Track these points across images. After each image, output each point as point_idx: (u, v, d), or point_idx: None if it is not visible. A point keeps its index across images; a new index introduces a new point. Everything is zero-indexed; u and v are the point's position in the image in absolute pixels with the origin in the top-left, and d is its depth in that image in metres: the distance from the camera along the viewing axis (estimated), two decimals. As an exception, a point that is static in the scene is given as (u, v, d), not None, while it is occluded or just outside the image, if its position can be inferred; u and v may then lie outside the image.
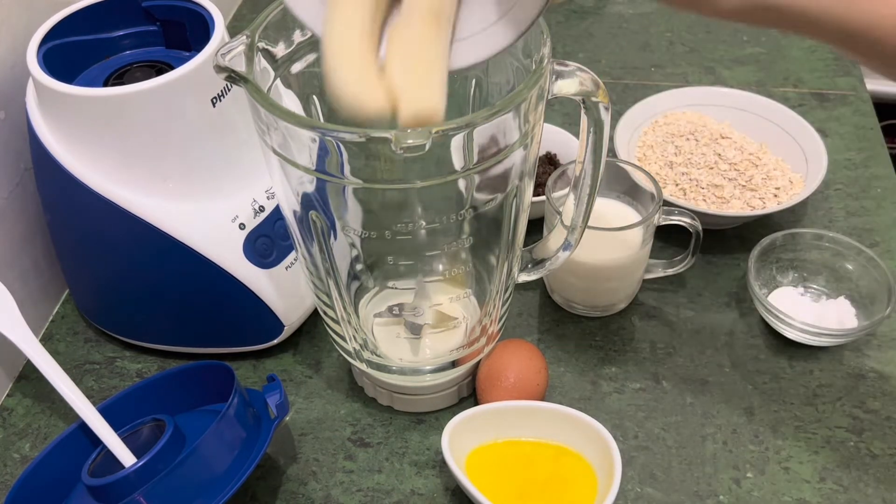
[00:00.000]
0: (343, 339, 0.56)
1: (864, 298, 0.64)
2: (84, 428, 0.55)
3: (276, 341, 0.63)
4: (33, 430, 0.61)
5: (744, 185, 0.70)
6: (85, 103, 0.53)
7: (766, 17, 0.39)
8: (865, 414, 0.60)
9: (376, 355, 0.56)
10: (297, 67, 0.51)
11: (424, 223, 0.47)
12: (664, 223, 0.63)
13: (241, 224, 0.58)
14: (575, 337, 0.65)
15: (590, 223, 0.56)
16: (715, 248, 0.71)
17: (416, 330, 0.56)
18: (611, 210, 0.66)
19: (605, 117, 0.50)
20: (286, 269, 0.60)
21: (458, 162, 0.43)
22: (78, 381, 0.60)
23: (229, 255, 0.58)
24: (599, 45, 0.94)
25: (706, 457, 0.58)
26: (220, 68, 0.44)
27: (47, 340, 0.67)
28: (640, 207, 0.65)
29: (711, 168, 0.71)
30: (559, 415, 0.56)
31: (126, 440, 0.54)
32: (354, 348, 0.56)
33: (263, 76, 0.48)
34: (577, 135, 0.66)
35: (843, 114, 0.84)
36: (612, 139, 0.72)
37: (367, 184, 0.45)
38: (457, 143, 0.42)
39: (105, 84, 0.57)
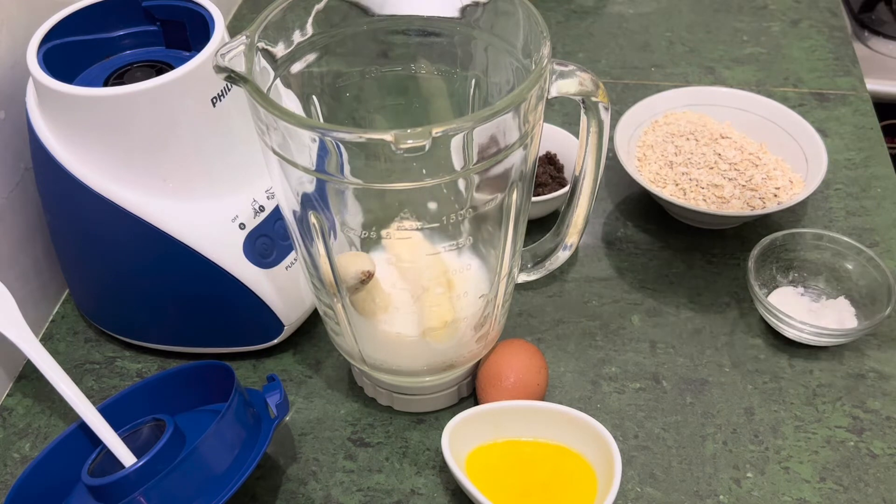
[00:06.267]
0: (343, 339, 0.56)
1: (864, 298, 0.64)
2: (84, 428, 0.55)
3: (276, 341, 0.63)
4: (33, 430, 0.61)
5: (744, 185, 0.70)
6: (85, 103, 0.53)
7: None
8: (865, 414, 0.60)
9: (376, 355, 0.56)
10: (296, 67, 0.51)
11: (424, 223, 0.47)
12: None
13: (241, 224, 0.58)
14: (575, 337, 0.65)
15: None
16: (715, 248, 0.71)
17: (415, 330, 0.55)
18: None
19: (605, 117, 0.50)
20: (286, 269, 0.60)
21: (457, 162, 0.43)
22: (78, 381, 0.60)
23: (229, 255, 0.58)
24: (599, 45, 0.94)
25: (706, 457, 0.58)
26: (219, 68, 0.44)
27: (47, 340, 0.67)
28: None
29: (711, 168, 0.71)
30: (559, 415, 0.56)
31: (126, 440, 0.54)
32: (354, 348, 0.56)
33: (263, 76, 0.48)
34: (577, 135, 0.66)
35: (843, 114, 0.84)
36: (612, 139, 0.72)
37: (367, 184, 0.45)
38: (456, 143, 0.42)
39: (105, 84, 0.57)
